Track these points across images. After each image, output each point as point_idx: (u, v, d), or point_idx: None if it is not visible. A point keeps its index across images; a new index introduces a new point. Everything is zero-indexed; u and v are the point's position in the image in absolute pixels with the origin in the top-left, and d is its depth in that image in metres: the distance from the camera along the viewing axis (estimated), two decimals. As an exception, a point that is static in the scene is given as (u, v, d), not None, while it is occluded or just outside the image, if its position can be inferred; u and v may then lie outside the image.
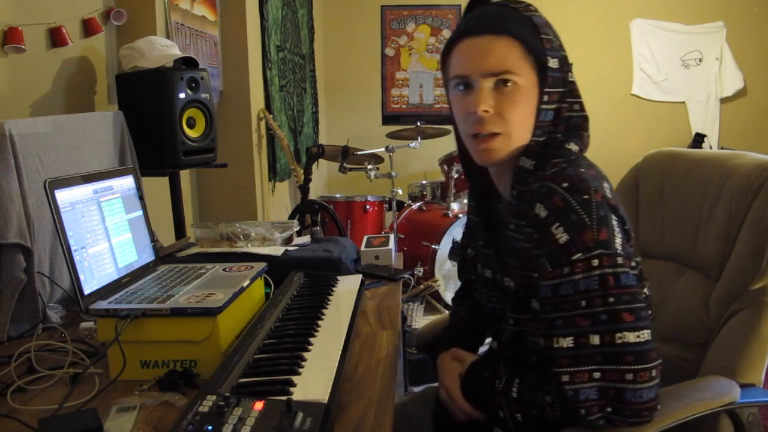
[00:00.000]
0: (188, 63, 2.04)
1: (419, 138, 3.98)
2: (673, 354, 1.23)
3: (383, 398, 0.95)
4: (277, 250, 1.57)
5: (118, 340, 0.99)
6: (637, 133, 4.93)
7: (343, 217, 3.64)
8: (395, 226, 3.62)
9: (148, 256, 1.32)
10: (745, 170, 1.20)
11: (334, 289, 1.39)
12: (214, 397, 0.79)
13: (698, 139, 4.97)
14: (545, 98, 1.00)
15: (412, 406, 1.35)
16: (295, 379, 0.91)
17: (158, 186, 2.13)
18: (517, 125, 0.99)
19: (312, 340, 1.07)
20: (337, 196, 3.79)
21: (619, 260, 0.92)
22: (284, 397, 0.79)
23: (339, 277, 1.49)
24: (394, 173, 3.66)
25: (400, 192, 3.73)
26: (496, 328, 1.17)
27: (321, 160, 4.23)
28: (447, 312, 1.39)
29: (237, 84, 3.15)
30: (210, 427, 0.74)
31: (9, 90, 1.75)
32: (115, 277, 1.18)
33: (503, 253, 1.07)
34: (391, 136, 4.16)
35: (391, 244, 1.81)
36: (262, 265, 1.32)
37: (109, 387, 0.99)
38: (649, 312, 0.98)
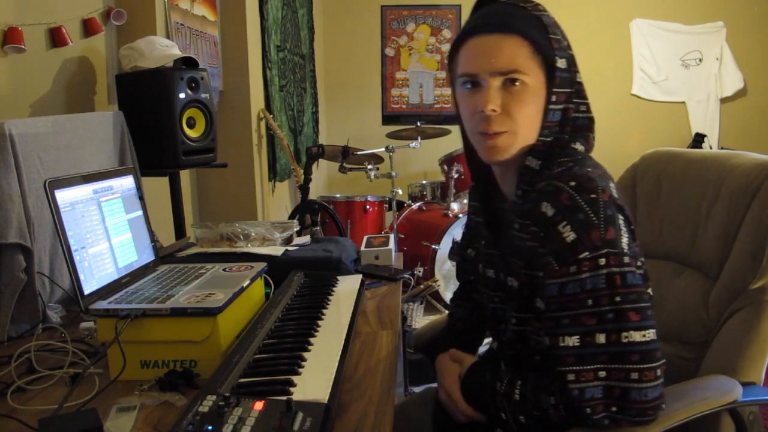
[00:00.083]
0: (188, 63, 2.04)
1: (419, 138, 3.98)
2: (673, 353, 1.23)
3: (383, 398, 0.95)
4: (277, 250, 1.57)
5: (118, 340, 0.99)
6: (637, 133, 4.93)
7: (343, 217, 3.64)
8: (395, 226, 3.62)
9: (148, 256, 1.32)
10: (743, 170, 1.20)
11: (334, 289, 1.39)
12: (214, 397, 0.79)
13: (698, 139, 4.97)
14: (553, 98, 0.99)
15: (412, 407, 1.35)
16: (295, 379, 0.91)
17: (158, 186, 2.13)
18: (524, 124, 0.99)
19: (312, 340, 1.07)
20: (337, 196, 3.79)
21: (626, 259, 0.92)
22: (284, 397, 0.79)
23: (339, 277, 1.49)
24: (394, 173, 3.66)
25: (400, 192, 3.73)
26: (496, 328, 1.17)
27: (321, 160, 4.23)
28: (447, 312, 1.39)
29: (237, 84, 3.15)
30: (210, 427, 0.74)
31: (9, 90, 1.75)
32: (115, 277, 1.18)
33: (507, 252, 1.07)
34: (391, 136, 4.16)
35: (391, 244, 1.81)
36: (262, 265, 1.32)
37: (109, 387, 0.99)
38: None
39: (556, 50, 0.99)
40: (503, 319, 1.13)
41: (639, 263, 0.96)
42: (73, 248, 1.08)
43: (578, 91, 1.02)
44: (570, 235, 0.92)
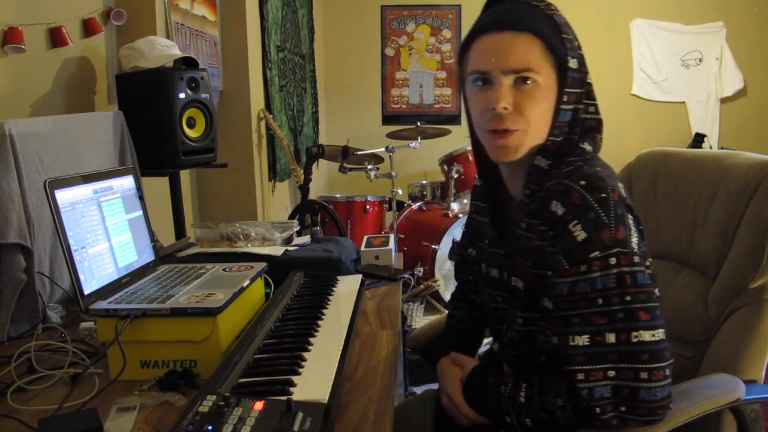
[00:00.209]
0: (188, 63, 2.04)
1: (419, 138, 3.98)
2: (672, 352, 1.23)
3: (383, 398, 0.95)
4: (277, 250, 1.57)
5: (118, 340, 0.99)
6: (637, 133, 4.92)
7: (343, 217, 3.64)
8: (395, 226, 3.62)
9: (148, 256, 1.32)
10: (741, 169, 1.21)
11: (334, 289, 1.39)
12: (214, 397, 0.79)
13: (698, 139, 4.97)
14: (564, 98, 0.99)
15: (412, 409, 1.35)
16: (295, 379, 0.91)
17: (158, 186, 2.13)
18: (534, 123, 0.99)
19: (312, 340, 1.07)
20: (337, 196, 3.79)
21: (636, 259, 0.92)
22: (284, 397, 0.79)
23: (339, 277, 1.49)
24: (394, 173, 3.65)
25: (400, 192, 3.73)
26: (498, 328, 1.16)
27: (321, 160, 4.23)
28: (446, 312, 1.39)
29: (237, 84, 3.15)
30: (210, 427, 0.74)
31: (9, 90, 1.75)
32: (115, 277, 1.18)
33: (513, 252, 1.06)
34: (391, 136, 4.16)
35: (391, 244, 1.81)
36: (262, 265, 1.32)
37: (109, 387, 0.99)
38: None
39: (568, 50, 0.99)
40: (504, 320, 1.13)
41: (648, 263, 0.96)
42: (73, 248, 1.08)
43: (588, 92, 1.02)
44: (581, 234, 0.92)
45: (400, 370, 1.60)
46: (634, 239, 0.94)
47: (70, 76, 1.99)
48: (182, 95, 1.93)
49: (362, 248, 1.80)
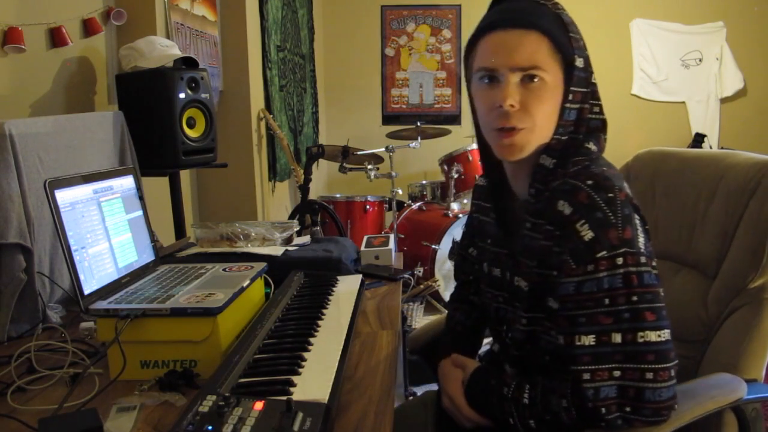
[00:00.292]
0: (188, 63, 2.04)
1: (419, 138, 3.98)
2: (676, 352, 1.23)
3: (383, 398, 0.95)
4: (277, 250, 1.57)
5: (118, 340, 0.99)
6: (637, 133, 4.92)
7: (343, 217, 3.64)
8: (395, 226, 3.62)
9: (148, 256, 1.32)
10: (740, 169, 1.21)
11: (334, 289, 1.39)
12: (214, 397, 0.79)
13: (698, 139, 4.97)
14: (570, 97, 0.99)
15: (412, 410, 1.34)
16: (295, 379, 0.91)
17: (158, 186, 2.13)
18: (541, 122, 0.98)
19: (312, 340, 1.07)
20: (337, 196, 3.79)
21: (643, 259, 0.92)
22: (284, 397, 0.79)
23: (339, 277, 1.49)
24: (394, 173, 3.66)
25: (400, 192, 3.73)
26: (498, 329, 1.16)
27: (321, 160, 4.23)
28: (445, 312, 1.39)
29: (237, 84, 3.15)
30: (210, 427, 0.74)
31: (9, 90, 1.75)
32: (115, 277, 1.18)
33: (517, 251, 1.06)
34: (391, 136, 4.16)
35: (391, 244, 1.81)
36: (262, 265, 1.32)
37: (109, 387, 0.99)
38: None
39: (575, 49, 0.99)
40: (505, 320, 1.13)
41: (654, 263, 0.96)
42: (73, 248, 1.07)
43: (593, 92, 1.02)
44: (588, 234, 0.92)
45: (400, 370, 1.60)
46: (641, 239, 0.94)
47: (70, 76, 1.99)
48: (182, 95, 1.93)
49: (362, 248, 1.79)
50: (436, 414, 1.22)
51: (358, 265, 1.71)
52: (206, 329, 1.03)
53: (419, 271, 3.49)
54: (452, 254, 3.52)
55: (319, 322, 1.16)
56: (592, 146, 1.01)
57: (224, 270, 1.29)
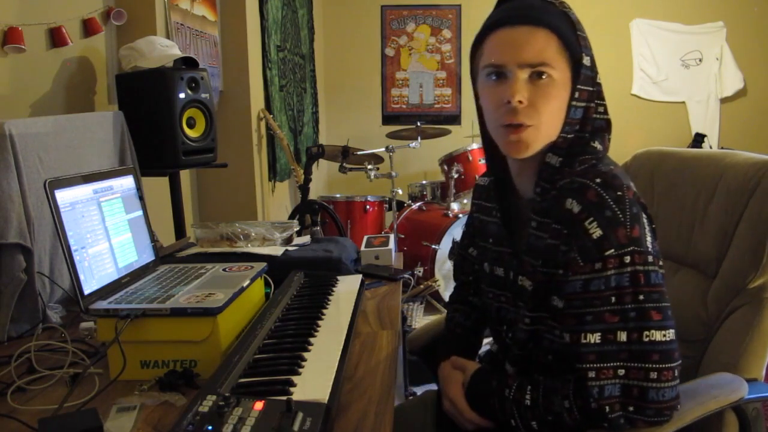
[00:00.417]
0: (188, 63, 2.04)
1: (419, 138, 3.98)
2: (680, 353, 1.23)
3: (383, 398, 0.95)
4: (277, 250, 1.57)
5: (118, 340, 0.99)
6: (637, 133, 4.92)
7: (343, 217, 3.64)
8: (395, 226, 3.62)
9: (148, 256, 1.32)
10: (740, 169, 1.21)
11: (334, 289, 1.39)
12: (214, 397, 0.79)
13: (698, 139, 4.97)
14: (576, 95, 0.99)
15: (412, 410, 1.34)
16: (295, 379, 0.91)
17: (158, 186, 2.13)
18: (548, 119, 0.98)
19: (312, 340, 1.07)
20: (337, 196, 3.79)
21: (650, 258, 0.92)
22: (284, 397, 0.79)
23: (339, 277, 1.49)
24: (394, 173, 3.66)
25: (400, 192, 3.73)
26: (499, 329, 1.16)
27: (321, 160, 4.23)
28: (445, 313, 1.38)
29: (237, 84, 3.15)
30: (210, 427, 0.74)
31: (9, 90, 1.75)
32: (115, 277, 1.18)
33: (521, 251, 1.06)
34: (391, 136, 4.16)
35: (391, 244, 1.81)
36: (262, 265, 1.32)
37: (109, 387, 0.99)
38: None
39: (582, 47, 0.99)
40: (505, 320, 1.13)
41: (660, 263, 0.96)
42: (73, 248, 1.07)
43: (598, 92, 1.02)
44: (596, 232, 0.92)
45: (400, 370, 1.60)
46: (648, 238, 0.94)
47: (70, 76, 1.99)
48: (182, 95, 1.92)
49: (362, 248, 1.79)
50: (436, 415, 1.22)
51: (358, 265, 1.71)
52: (206, 329, 1.03)
53: (419, 271, 3.49)
54: (452, 254, 3.52)
55: (319, 322, 1.16)
56: (597, 145, 1.01)
57: (224, 270, 1.29)
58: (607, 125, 1.04)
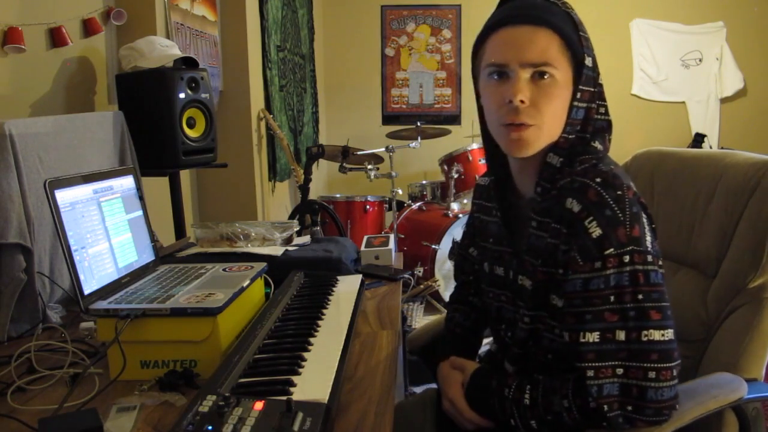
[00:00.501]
0: (188, 63, 2.04)
1: (419, 138, 3.98)
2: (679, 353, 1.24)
3: (383, 398, 0.95)
4: (277, 250, 1.57)
5: (118, 340, 0.99)
6: (637, 133, 4.93)
7: (343, 217, 3.64)
8: (395, 226, 3.62)
9: (148, 256, 1.32)
10: (739, 169, 1.21)
11: (334, 289, 1.39)
12: (214, 397, 0.79)
13: (698, 139, 4.97)
14: (578, 95, 0.99)
15: (412, 408, 1.34)
16: (295, 379, 0.91)
17: (158, 186, 2.13)
18: (549, 119, 0.98)
19: (312, 340, 1.07)
20: (337, 196, 3.79)
21: (650, 258, 0.93)
22: (284, 397, 0.79)
23: (339, 277, 1.49)
24: (394, 173, 3.66)
25: (400, 192, 3.73)
26: (498, 328, 1.16)
27: (321, 160, 4.23)
28: (445, 313, 1.39)
29: (237, 84, 3.15)
30: (210, 427, 0.74)
31: (9, 90, 1.75)
32: (115, 277, 1.18)
33: (521, 250, 1.06)
34: (391, 136, 4.16)
35: (391, 244, 1.81)
36: (262, 265, 1.32)
37: (109, 387, 0.99)
38: None
39: (584, 48, 0.99)
40: (505, 319, 1.13)
41: (660, 262, 0.96)
42: (73, 248, 1.07)
43: (600, 93, 1.02)
44: (596, 231, 0.92)
45: (400, 370, 1.60)
46: (648, 238, 0.94)
47: (70, 76, 1.99)
48: (182, 95, 1.92)
49: (362, 248, 1.79)
50: (436, 414, 1.22)
51: (358, 265, 1.71)
52: (206, 329, 1.03)
53: (419, 271, 3.49)
54: (452, 254, 3.52)
55: (319, 322, 1.16)
56: (598, 145, 1.02)
57: (224, 270, 1.29)
58: (608, 126, 1.04)
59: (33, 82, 1.84)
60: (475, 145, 3.98)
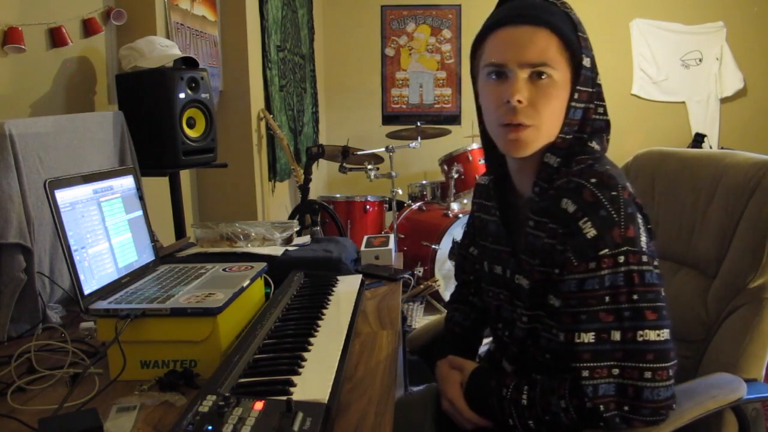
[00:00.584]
0: (188, 63, 2.04)
1: (419, 138, 3.98)
2: (675, 352, 1.23)
3: (383, 398, 0.95)
4: (277, 250, 1.57)
5: (118, 340, 0.99)
6: (637, 133, 4.93)
7: (343, 217, 3.64)
8: (395, 226, 3.62)
9: (148, 256, 1.32)
10: (740, 169, 1.21)
11: (334, 289, 1.39)
12: (214, 397, 0.79)
13: (698, 139, 4.97)
14: (576, 96, 0.99)
15: (413, 406, 1.34)
16: (295, 379, 0.91)
17: (158, 186, 2.13)
18: (547, 119, 0.98)
19: (312, 340, 1.07)
20: (337, 196, 3.79)
21: (644, 258, 0.93)
22: (284, 397, 0.79)
23: (339, 277, 1.49)
24: (394, 173, 3.66)
25: (400, 192, 3.73)
26: (497, 327, 1.16)
27: (321, 160, 4.23)
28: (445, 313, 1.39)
29: (237, 84, 3.15)
30: (210, 427, 0.74)
31: (9, 90, 1.75)
32: (115, 277, 1.18)
33: (519, 250, 1.06)
34: (391, 136, 4.16)
35: (391, 244, 1.81)
36: (262, 265, 1.32)
37: (109, 387, 0.99)
38: None
39: (583, 48, 0.99)
40: (503, 318, 1.13)
41: (656, 262, 0.96)
42: (73, 248, 1.07)
43: (598, 93, 1.02)
44: (591, 232, 0.93)
45: (400, 371, 1.60)
46: (643, 238, 0.94)
47: (70, 76, 1.99)
48: (182, 95, 1.93)
49: (362, 248, 1.79)
50: (436, 413, 1.22)
51: (358, 265, 1.71)
52: (206, 329, 1.03)
53: (419, 271, 3.49)
54: (452, 254, 3.52)
55: (319, 322, 1.16)
56: (595, 146, 1.02)
57: (224, 270, 1.29)
58: (606, 126, 1.04)
59: (33, 82, 1.84)
60: (475, 145, 3.98)
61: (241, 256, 1.52)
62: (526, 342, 1.06)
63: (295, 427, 0.74)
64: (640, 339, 0.91)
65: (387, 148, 3.70)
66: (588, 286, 0.93)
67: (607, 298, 0.92)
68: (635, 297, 0.91)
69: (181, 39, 2.57)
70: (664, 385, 0.90)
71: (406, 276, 1.71)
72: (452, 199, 3.82)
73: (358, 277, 1.49)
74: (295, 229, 1.74)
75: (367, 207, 3.72)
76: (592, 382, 0.91)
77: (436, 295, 3.50)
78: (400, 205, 3.91)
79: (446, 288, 3.52)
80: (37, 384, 1.04)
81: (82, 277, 1.07)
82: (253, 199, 3.24)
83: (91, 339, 1.23)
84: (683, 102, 5.09)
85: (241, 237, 1.64)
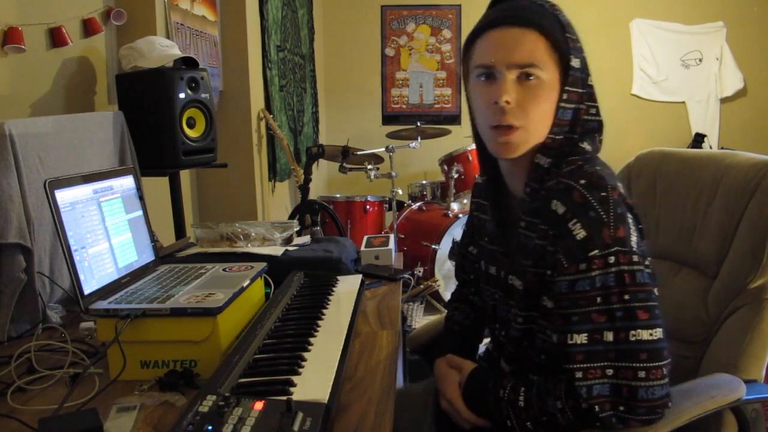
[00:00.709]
0: (188, 63, 2.04)
1: (419, 138, 3.98)
2: (672, 351, 1.22)
3: (383, 398, 0.95)
4: (277, 250, 1.57)
5: (118, 340, 0.99)
6: (637, 133, 4.93)
7: (343, 217, 3.64)
8: (395, 226, 3.62)
9: (148, 256, 1.32)
10: (740, 169, 1.21)
11: (334, 289, 1.39)
12: (214, 397, 0.79)
13: (698, 139, 4.97)
14: (564, 96, 1.00)
15: (413, 403, 1.34)
16: (295, 379, 0.91)
17: (158, 186, 2.13)
18: (536, 120, 0.99)
19: (312, 340, 1.07)
20: (337, 196, 3.79)
21: (635, 258, 0.93)
22: (284, 397, 0.79)
23: (339, 277, 1.49)
24: (394, 173, 3.66)
25: (400, 192, 3.73)
26: (494, 327, 1.17)
27: (321, 160, 4.23)
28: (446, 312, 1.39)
29: (237, 84, 3.15)
30: (210, 427, 0.74)
31: (9, 90, 1.75)
32: (115, 277, 1.18)
33: (512, 250, 1.07)
34: (391, 136, 4.16)
35: (391, 244, 1.81)
36: (262, 265, 1.32)
37: (109, 387, 0.99)
38: None
39: (571, 49, 0.99)
40: (499, 318, 1.13)
41: (647, 262, 0.96)
42: (73, 248, 1.08)
43: (589, 94, 1.03)
44: (580, 233, 0.93)
45: (400, 371, 1.60)
46: (634, 238, 0.94)
47: (70, 76, 1.99)
48: (182, 95, 1.92)
49: (362, 248, 1.80)
50: (435, 413, 1.22)
51: (358, 265, 1.71)
52: (206, 329, 1.03)
53: (419, 271, 3.49)
54: (452, 254, 3.52)
55: (319, 322, 1.16)
56: (586, 146, 1.02)
57: (224, 270, 1.29)
58: (599, 127, 1.04)
59: (33, 82, 1.84)
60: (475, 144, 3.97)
61: (241, 256, 1.52)
62: (522, 342, 1.07)
63: (295, 427, 0.74)
64: (633, 339, 0.91)
65: (387, 148, 3.70)
66: (579, 288, 0.93)
67: (598, 299, 0.92)
68: (627, 297, 0.91)
69: (181, 39, 2.57)
70: (658, 384, 0.90)
71: (406, 276, 1.71)
72: (452, 199, 3.82)
73: (358, 277, 1.49)
74: (295, 229, 1.74)
75: (367, 207, 3.72)
76: (586, 383, 0.91)
77: (436, 295, 3.50)
78: (400, 205, 3.91)
79: (446, 288, 3.52)
80: (37, 384, 1.04)
81: (82, 277, 1.07)
82: (253, 199, 3.24)
83: (91, 339, 1.23)
84: (683, 102, 5.09)
85: (241, 237, 1.64)
